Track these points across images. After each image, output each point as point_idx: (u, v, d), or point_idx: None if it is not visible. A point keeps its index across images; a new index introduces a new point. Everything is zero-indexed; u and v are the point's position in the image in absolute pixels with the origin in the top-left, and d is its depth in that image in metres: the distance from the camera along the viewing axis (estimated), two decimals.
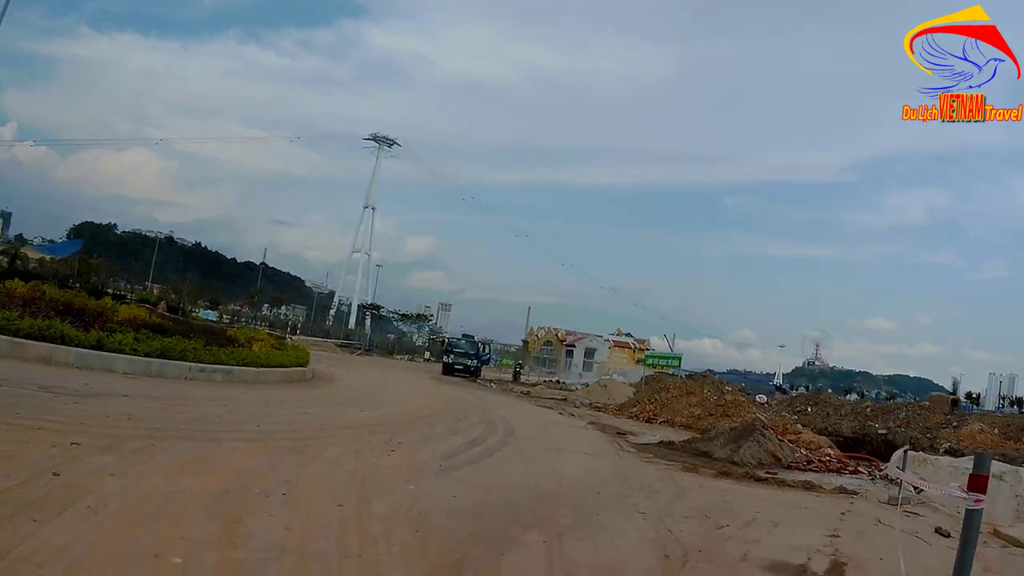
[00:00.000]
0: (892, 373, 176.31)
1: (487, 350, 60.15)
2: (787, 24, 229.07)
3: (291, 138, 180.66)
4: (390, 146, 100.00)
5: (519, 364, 66.96)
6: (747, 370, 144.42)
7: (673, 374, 44.82)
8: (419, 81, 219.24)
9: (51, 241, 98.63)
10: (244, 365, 18.52)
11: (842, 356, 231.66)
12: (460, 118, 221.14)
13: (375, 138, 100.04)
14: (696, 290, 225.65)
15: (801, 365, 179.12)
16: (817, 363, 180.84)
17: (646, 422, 28.19)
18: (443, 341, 60.48)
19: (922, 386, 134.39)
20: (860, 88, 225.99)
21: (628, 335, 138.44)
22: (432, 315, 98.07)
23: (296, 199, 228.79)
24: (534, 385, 50.23)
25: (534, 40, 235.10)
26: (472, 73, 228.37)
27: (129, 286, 67.58)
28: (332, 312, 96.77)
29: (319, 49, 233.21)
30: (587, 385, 51.94)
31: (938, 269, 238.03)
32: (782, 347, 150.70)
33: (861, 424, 29.08)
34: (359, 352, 61.98)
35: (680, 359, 52.48)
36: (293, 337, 52.42)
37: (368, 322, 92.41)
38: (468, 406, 22.64)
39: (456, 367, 48.10)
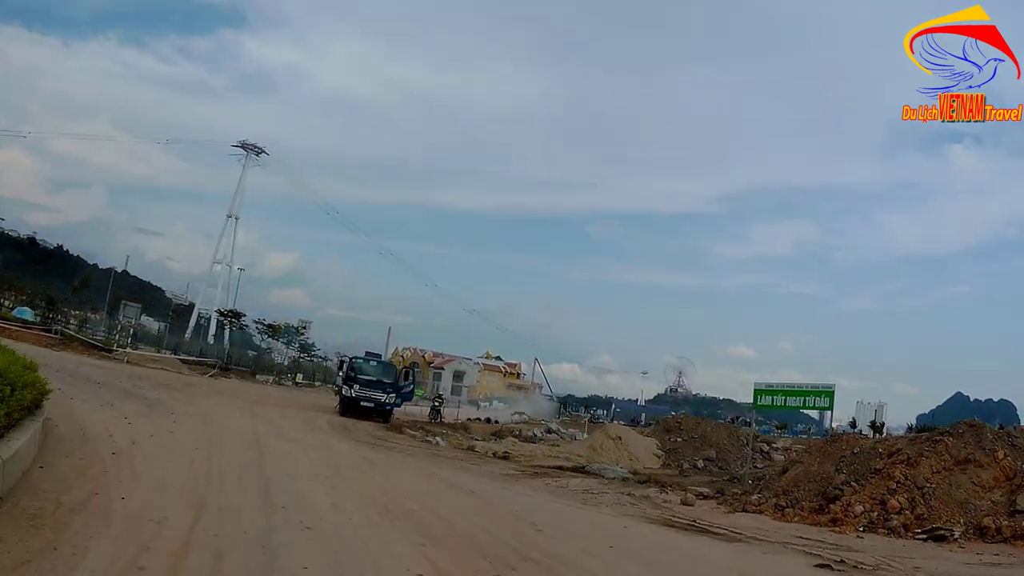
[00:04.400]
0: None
1: (410, 378, 40.79)
2: (659, 56, 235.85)
3: (160, 142, 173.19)
4: (258, 154, 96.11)
5: (439, 396, 50.18)
6: (608, 396, 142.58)
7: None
8: (292, 94, 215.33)
9: None
10: None
11: (705, 383, 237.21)
12: (331, 134, 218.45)
13: (243, 145, 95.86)
14: (557, 315, 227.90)
15: (663, 392, 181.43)
16: (680, 390, 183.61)
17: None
18: (343, 363, 39.98)
19: (788, 415, 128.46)
20: (731, 121, 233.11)
21: (498, 358, 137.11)
22: (305, 327, 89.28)
23: (163, 208, 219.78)
24: (498, 433, 38.39)
25: (408, 60, 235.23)
26: (345, 89, 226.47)
27: None
28: (191, 325, 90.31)
29: (197, 56, 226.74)
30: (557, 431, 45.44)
31: (802, 299, 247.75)
32: (644, 374, 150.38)
33: None
34: (213, 372, 51.68)
35: (832, 394, 25.37)
36: (127, 350, 46.55)
37: (227, 334, 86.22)
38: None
39: (362, 403, 34.84)
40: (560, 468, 26.67)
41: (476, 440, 34.08)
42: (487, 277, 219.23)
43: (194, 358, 55.77)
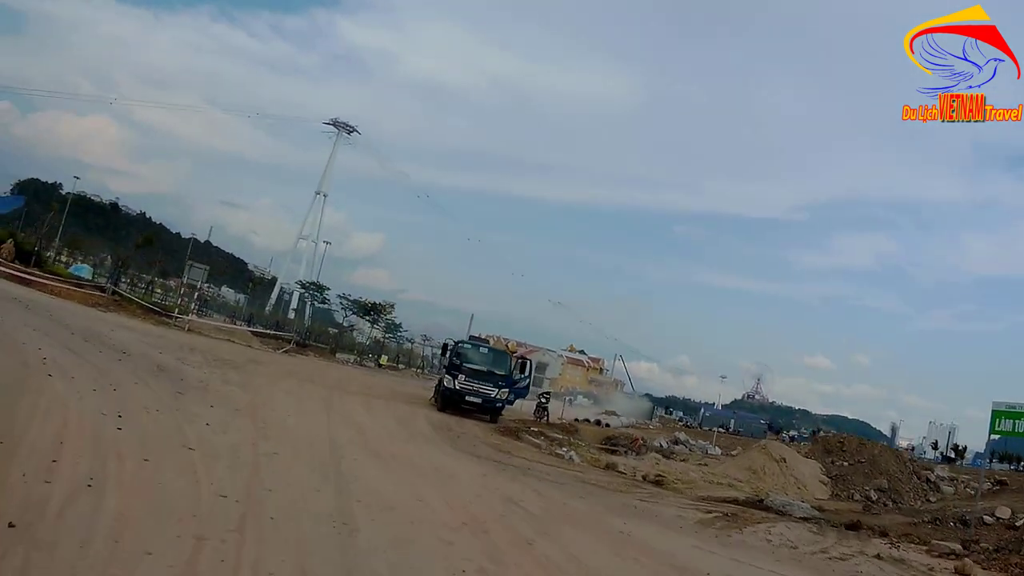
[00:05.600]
0: (830, 413, 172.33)
1: (526, 371, 32.94)
2: (754, 59, 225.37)
3: (249, 116, 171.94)
4: (349, 133, 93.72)
5: (545, 393, 42.04)
6: (685, 397, 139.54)
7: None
8: (382, 77, 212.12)
9: None
10: None
11: (781, 392, 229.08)
12: (419, 118, 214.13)
13: (335, 123, 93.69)
14: (638, 313, 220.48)
15: (740, 397, 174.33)
16: (757, 397, 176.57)
17: None
18: (445, 347, 33.55)
19: (861, 428, 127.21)
20: (819, 129, 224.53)
21: (581, 352, 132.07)
22: (392, 306, 79.71)
23: (248, 182, 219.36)
24: (613, 444, 32.42)
25: (500, 49, 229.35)
26: (435, 75, 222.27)
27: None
28: (272, 299, 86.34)
29: (289, 35, 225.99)
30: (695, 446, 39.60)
31: (880, 313, 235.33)
32: (723, 378, 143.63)
33: None
34: (287, 348, 44.77)
35: None
36: (190, 317, 39.97)
37: (308, 309, 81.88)
38: None
39: (468, 397, 28.91)
40: (736, 502, 20.33)
41: (608, 453, 28.58)
42: (568, 270, 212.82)
43: (269, 331, 48.97)
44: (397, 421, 22.88)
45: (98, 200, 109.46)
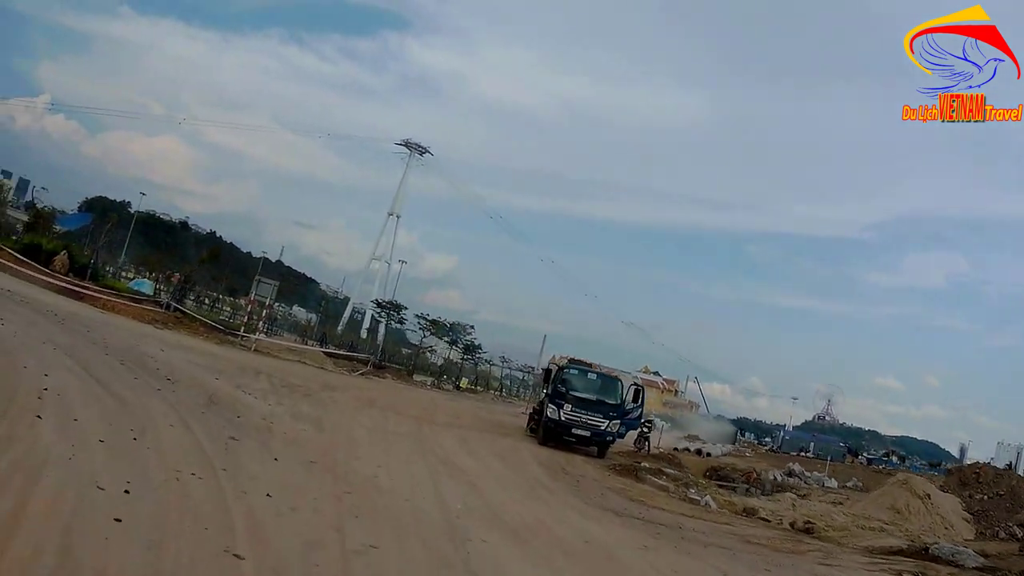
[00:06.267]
0: (899, 434, 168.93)
1: (639, 399, 28.39)
2: (823, 77, 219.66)
3: (319, 137, 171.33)
4: (421, 154, 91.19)
5: (648, 421, 33.78)
6: (756, 419, 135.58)
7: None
8: (453, 100, 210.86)
9: (63, 212, 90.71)
10: None
11: (851, 413, 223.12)
12: (490, 140, 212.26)
13: (407, 144, 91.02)
14: (708, 333, 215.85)
15: (811, 419, 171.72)
16: (827, 418, 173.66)
17: None
18: (550, 372, 29.34)
19: (929, 450, 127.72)
20: (888, 146, 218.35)
21: (656, 373, 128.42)
22: (472, 327, 73.97)
23: (320, 203, 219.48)
24: (722, 476, 29.05)
25: (571, 70, 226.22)
26: (506, 97, 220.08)
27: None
28: (344, 318, 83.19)
29: (359, 58, 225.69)
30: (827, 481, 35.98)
31: (950, 333, 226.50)
32: (795, 399, 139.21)
33: None
34: (364, 370, 41.10)
35: None
36: (258, 336, 35.85)
37: (382, 329, 76.03)
38: None
39: (575, 430, 25.06)
40: (903, 552, 17.61)
41: (724, 489, 25.98)
42: (638, 291, 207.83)
43: (343, 352, 45.03)
44: (504, 462, 19.06)
45: (167, 219, 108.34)
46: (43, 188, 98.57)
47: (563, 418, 25.08)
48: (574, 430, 25.09)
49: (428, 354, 70.31)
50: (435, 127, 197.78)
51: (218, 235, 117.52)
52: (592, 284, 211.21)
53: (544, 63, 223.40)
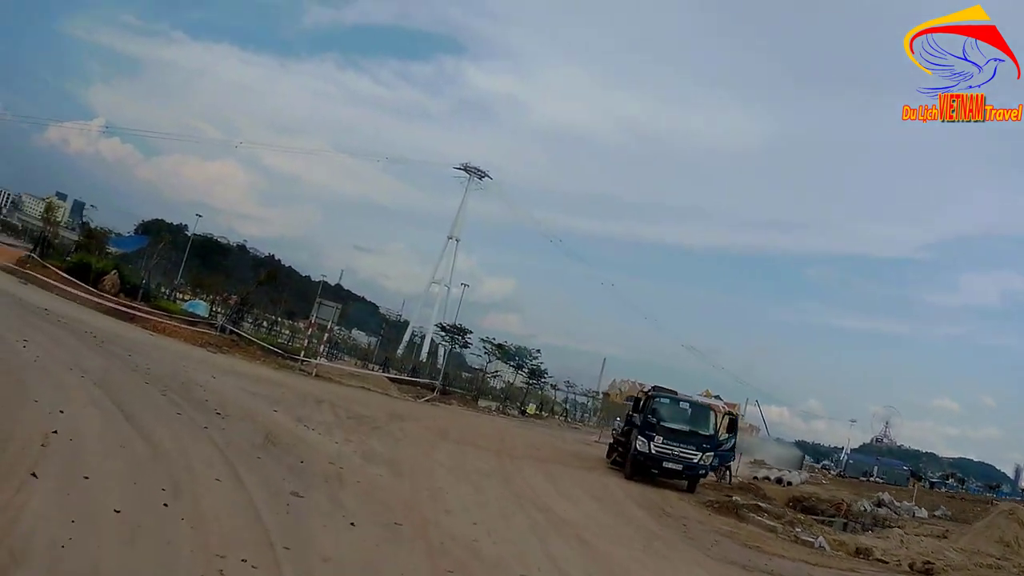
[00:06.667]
0: (956, 456, 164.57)
1: (733, 430, 27.22)
2: (881, 95, 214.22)
3: (378, 161, 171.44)
4: (481, 178, 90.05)
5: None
6: (815, 442, 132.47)
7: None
8: (510, 122, 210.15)
9: (118, 234, 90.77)
10: None
11: (908, 435, 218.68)
12: (548, 163, 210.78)
13: (466, 168, 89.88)
14: (766, 356, 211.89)
15: (869, 441, 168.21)
16: (885, 440, 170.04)
17: None
18: (639, 401, 27.21)
19: (985, 471, 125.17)
20: (947, 165, 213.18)
21: (717, 397, 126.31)
22: (538, 351, 71.61)
23: (379, 226, 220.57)
24: (807, 507, 26.99)
25: (627, 91, 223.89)
26: (564, 120, 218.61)
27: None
28: (404, 341, 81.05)
29: (416, 81, 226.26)
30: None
31: (1007, 352, 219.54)
32: (853, 422, 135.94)
33: None
34: (430, 397, 38.78)
35: None
36: (319, 360, 33.60)
37: (442, 352, 74.62)
38: None
39: (666, 463, 23.02)
40: None
41: (840, 530, 24.36)
42: (696, 313, 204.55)
43: (406, 377, 42.61)
44: (603, 506, 16.84)
45: (224, 242, 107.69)
46: (92, 206, 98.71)
47: (653, 451, 22.90)
48: (665, 464, 22.95)
49: (490, 379, 68.05)
50: (492, 150, 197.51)
51: (276, 258, 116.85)
52: (651, 306, 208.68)
53: (601, 84, 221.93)
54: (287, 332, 51.85)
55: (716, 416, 25.77)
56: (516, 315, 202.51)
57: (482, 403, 51.10)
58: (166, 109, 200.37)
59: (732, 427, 26.15)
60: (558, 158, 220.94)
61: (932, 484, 56.73)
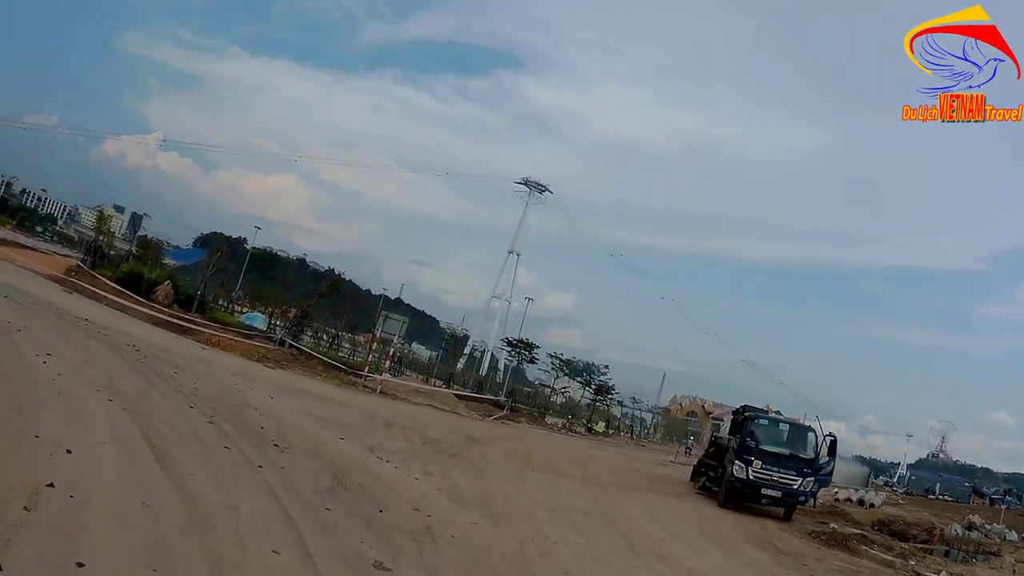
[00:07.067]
0: (1011, 471, 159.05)
1: (834, 451, 23.84)
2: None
3: (439, 175, 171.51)
4: (541, 192, 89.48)
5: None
6: (871, 457, 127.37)
7: None
8: (569, 137, 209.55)
9: (176, 247, 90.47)
10: None
11: (963, 449, 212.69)
12: (607, 177, 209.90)
13: (526, 182, 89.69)
14: (823, 370, 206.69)
15: (925, 456, 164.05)
16: (941, 456, 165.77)
17: None
18: (737, 421, 24.44)
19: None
20: (1003, 174, 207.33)
21: (778, 412, 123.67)
22: (606, 367, 69.14)
23: (439, 241, 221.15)
24: (894, 531, 24.56)
25: (686, 106, 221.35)
26: (621, 134, 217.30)
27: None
28: (464, 354, 79.11)
29: (474, 97, 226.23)
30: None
31: None
32: (910, 436, 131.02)
33: None
34: (499, 415, 36.24)
35: None
36: (386, 376, 31.29)
37: (502, 366, 73.78)
38: None
39: (765, 490, 21.02)
40: None
41: (942, 557, 22.55)
42: (753, 327, 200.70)
43: (474, 394, 40.39)
44: (713, 543, 14.91)
45: (284, 255, 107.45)
46: (145, 214, 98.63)
47: (752, 477, 20.94)
48: (764, 491, 20.97)
49: (557, 395, 65.75)
50: (552, 164, 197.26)
51: (337, 272, 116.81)
52: (710, 320, 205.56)
53: (659, 99, 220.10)
54: (346, 345, 50.06)
55: (816, 438, 23.19)
56: (577, 329, 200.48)
57: (547, 419, 49.35)
58: (224, 123, 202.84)
59: (832, 450, 23.39)
60: (616, 172, 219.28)
61: (992, 500, 53.29)
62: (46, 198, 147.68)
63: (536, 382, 70.91)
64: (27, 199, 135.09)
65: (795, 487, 21.18)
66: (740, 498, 21.34)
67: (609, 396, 66.45)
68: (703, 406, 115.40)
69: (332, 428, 14.24)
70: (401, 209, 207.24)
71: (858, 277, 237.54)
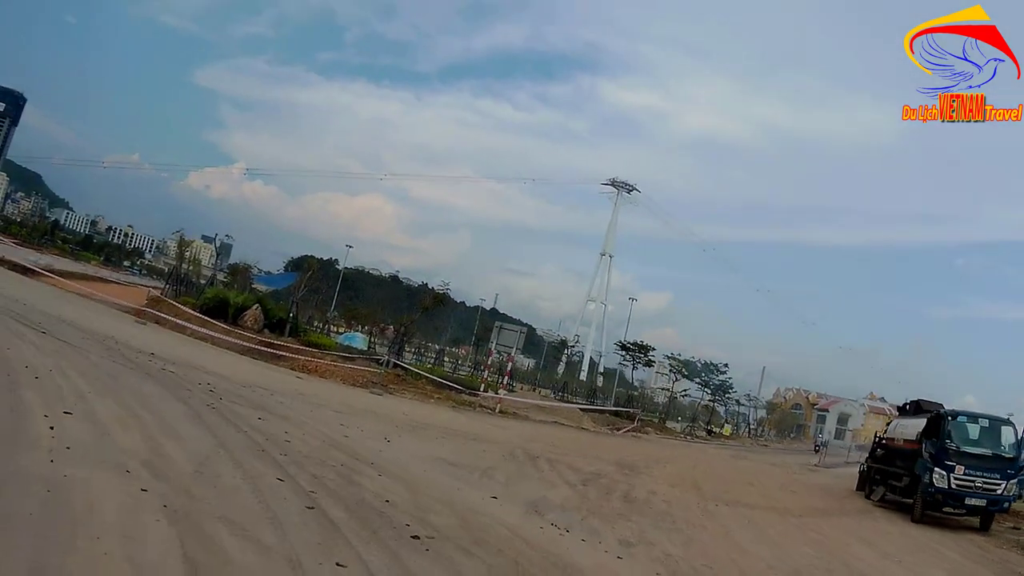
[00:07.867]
0: None
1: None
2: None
3: (526, 182, 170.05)
4: (629, 192, 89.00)
5: None
6: None
7: None
8: (653, 135, 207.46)
9: (267, 272, 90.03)
10: None
11: None
12: (694, 173, 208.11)
13: (613, 183, 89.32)
14: (922, 353, 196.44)
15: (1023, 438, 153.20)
16: None
17: None
18: (934, 422, 20.04)
19: None
20: None
21: (882, 399, 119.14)
22: (726, 366, 64.54)
23: (529, 248, 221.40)
24: None
25: (767, 96, 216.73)
26: (706, 129, 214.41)
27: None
28: (563, 361, 77.48)
29: (554, 102, 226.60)
30: None
31: None
32: (1010, 416, 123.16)
33: None
34: (627, 428, 32.88)
35: None
36: (503, 394, 27.98)
37: (602, 369, 72.72)
38: None
39: (968, 499, 18.47)
40: None
41: None
42: (848, 314, 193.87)
43: (597, 407, 37.34)
44: None
45: (376, 273, 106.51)
46: (227, 236, 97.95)
47: (954, 485, 18.51)
48: (968, 500, 18.54)
49: (669, 396, 61.43)
50: (638, 164, 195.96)
51: (430, 287, 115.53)
52: (806, 311, 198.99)
53: (741, 92, 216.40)
54: (447, 360, 46.96)
55: (1015, 434, 20.05)
56: (673, 328, 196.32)
57: (668, 424, 47.30)
58: (307, 149, 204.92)
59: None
60: (704, 167, 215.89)
61: None
62: (133, 233, 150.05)
63: (637, 384, 66.83)
64: (113, 236, 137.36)
65: (999, 492, 18.65)
66: (936, 508, 18.90)
67: (727, 396, 62.29)
68: (807, 397, 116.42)
69: (475, 481, 10.38)
70: (490, 219, 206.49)
71: (952, 255, 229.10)
